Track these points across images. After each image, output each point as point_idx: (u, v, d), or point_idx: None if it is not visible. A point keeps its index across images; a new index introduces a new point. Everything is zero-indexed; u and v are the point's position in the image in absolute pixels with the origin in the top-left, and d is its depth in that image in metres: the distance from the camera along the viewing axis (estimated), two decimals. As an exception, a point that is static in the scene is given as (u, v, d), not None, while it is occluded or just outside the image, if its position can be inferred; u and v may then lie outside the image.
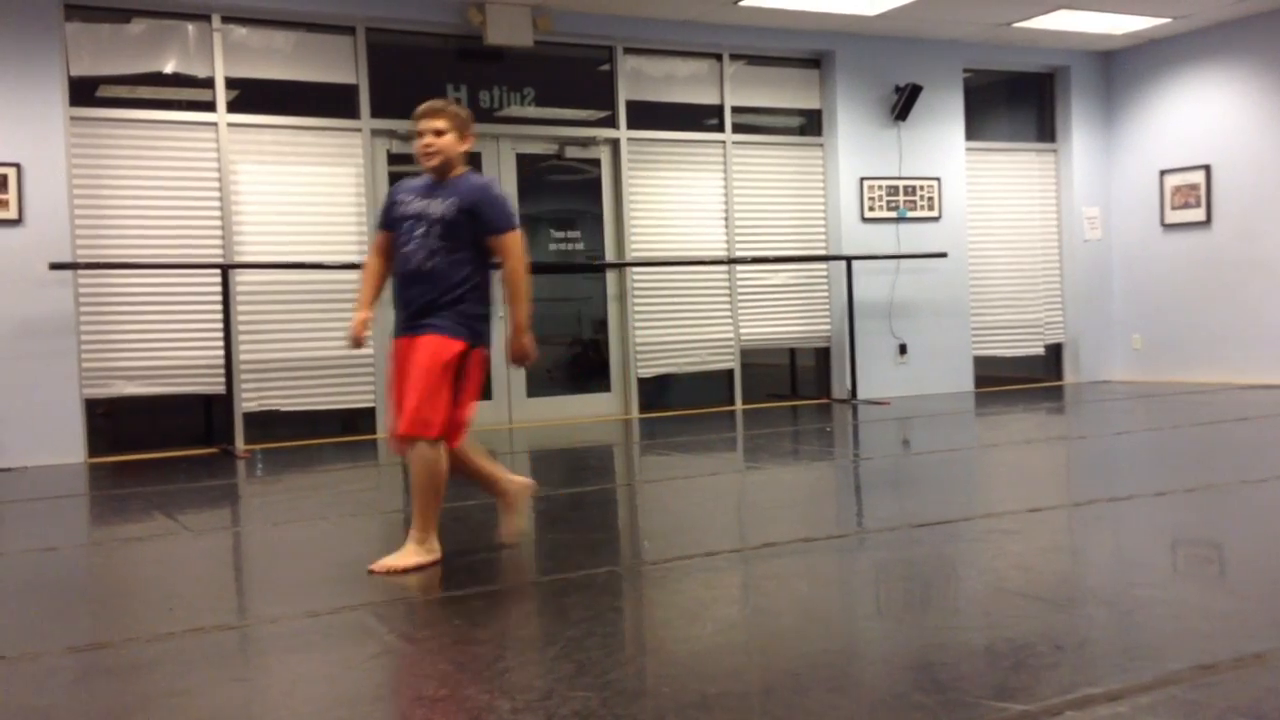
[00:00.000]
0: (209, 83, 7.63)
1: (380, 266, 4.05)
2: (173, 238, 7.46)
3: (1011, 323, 10.42)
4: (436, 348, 3.81)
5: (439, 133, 3.93)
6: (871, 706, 2.41)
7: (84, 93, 7.31)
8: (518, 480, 4.27)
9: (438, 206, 3.88)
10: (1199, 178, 9.89)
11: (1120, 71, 10.57)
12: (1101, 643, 2.83)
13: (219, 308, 7.39)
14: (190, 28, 7.61)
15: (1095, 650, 2.76)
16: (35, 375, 6.96)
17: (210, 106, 7.62)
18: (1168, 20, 9.45)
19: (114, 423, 7.48)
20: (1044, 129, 10.77)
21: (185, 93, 7.63)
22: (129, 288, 7.34)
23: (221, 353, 7.42)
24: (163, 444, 7.58)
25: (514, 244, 3.95)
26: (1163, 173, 10.19)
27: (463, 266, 3.89)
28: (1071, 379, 10.66)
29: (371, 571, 3.81)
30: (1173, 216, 10.15)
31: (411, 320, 3.90)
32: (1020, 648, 2.73)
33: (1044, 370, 10.75)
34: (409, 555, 3.86)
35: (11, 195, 6.91)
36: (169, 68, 7.59)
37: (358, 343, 4.03)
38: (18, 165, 6.93)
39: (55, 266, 6.91)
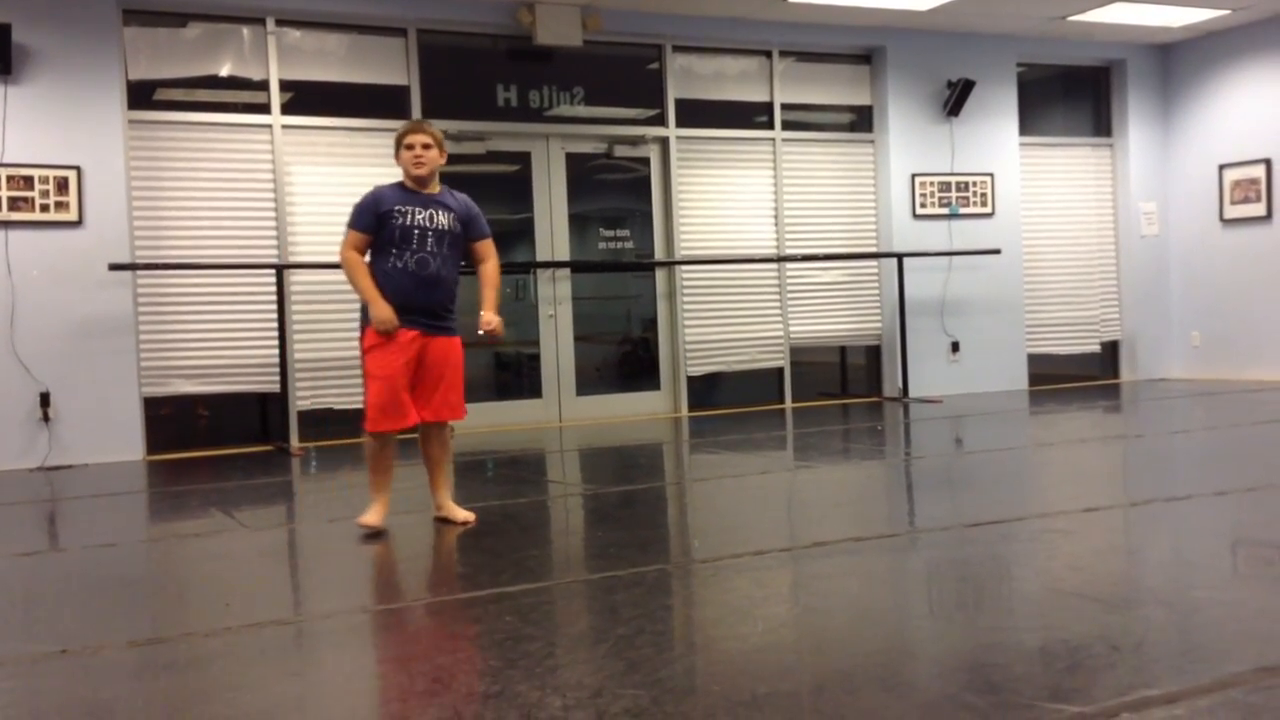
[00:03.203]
0: (263, 85, 7.73)
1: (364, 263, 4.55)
2: (228, 238, 7.56)
3: (1066, 320, 10.29)
4: (459, 348, 4.61)
5: (427, 146, 4.50)
6: (924, 707, 2.39)
7: (142, 96, 7.43)
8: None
9: (443, 219, 4.50)
10: (1259, 172, 9.71)
11: (1178, 64, 10.39)
12: (1159, 644, 2.79)
13: (274, 307, 7.49)
14: (245, 31, 7.72)
15: (1152, 652, 2.72)
16: (95, 374, 7.09)
17: (265, 109, 7.71)
18: (1226, 12, 9.28)
19: (172, 421, 7.60)
20: (1099, 123, 10.61)
21: (240, 95, 7.73)
22: (186, 288, 7.45)
23: (276, 352, 7.51)
24: (219, 442, 7.69)
25: (493, 246, 4.73)
26: (1222, 167, 10.01)
27: (456, 270, 4.61)
28: (1128, 377, 10.50)
29: (443, 520, 4.63)
30: (1232, 211, 9.97)
31: (430, 319, 4.49)
32: (1075, 649, 2.70)
33: (1100, 368, 10.60)
34: (462, 510, 4.69)
35: (72, 198, 7.05)
36: (224, 71, 7.70)
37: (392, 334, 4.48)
38: (78, 168, 7.06)
39: (115, 267, 7.04)
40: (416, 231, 4.42)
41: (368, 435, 4.57)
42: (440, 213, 4.49)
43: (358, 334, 4.64)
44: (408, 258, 4.41)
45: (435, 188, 4.56)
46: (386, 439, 4.55)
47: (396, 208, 4.43)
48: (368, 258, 4.54)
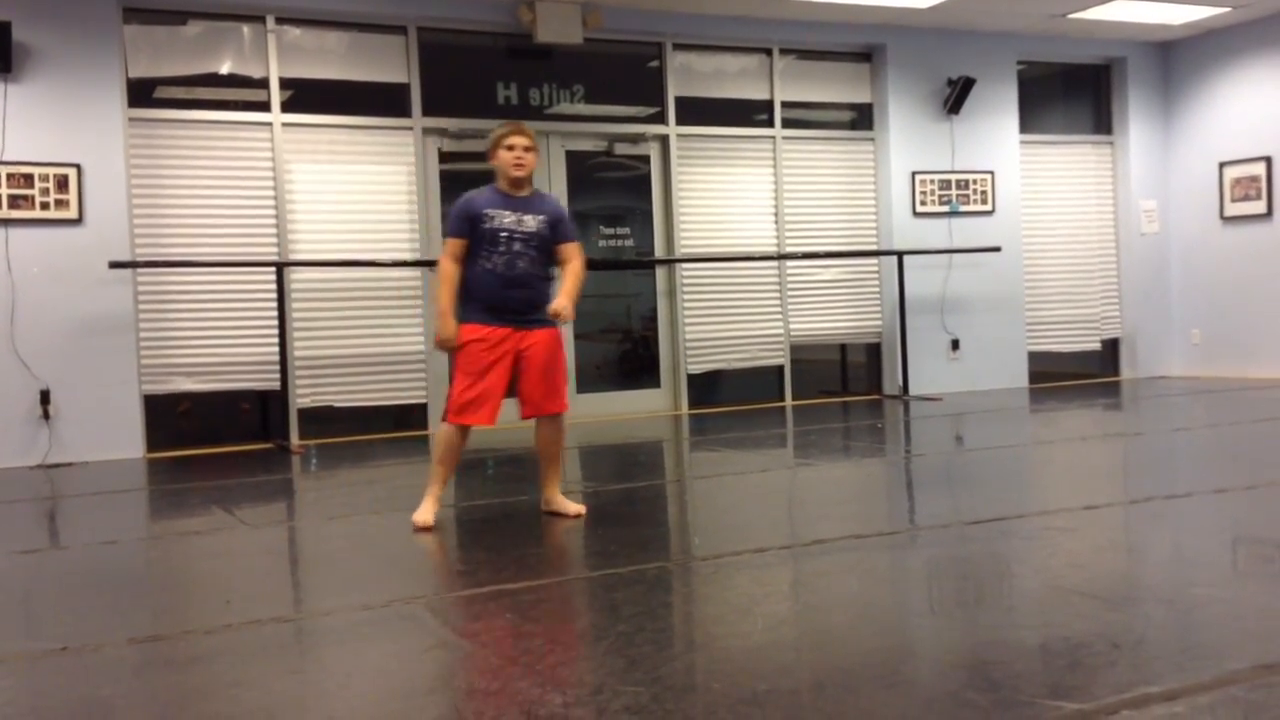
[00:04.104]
0: (263, 83, 7.73)
1: (459, 272, 4.57)
2: (229, 236, 7.56)
3: (1067, 318, 10.29)
4: (556, 340, 4.63)
5: (529, 149, 4.59)
6: (924, 704, 2.39)
7: (142, 94, 7.43)
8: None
9: (532, 222, 4.57)
10: (1260, 169, 9.70)
11: (1178, 62, 10.39)
12: (1159, 642, 2.79)
13: (274, 305, 7.49)
14: (245, 29, 7.71)
15: (1152, 649, 2.72)
16: (95, 372, 7.09)
17: (265, 107, 7.71)
18: (1227, 9, 9.27)
19: (172, 418, 7.60)
20: (1100, 121, 10.61)
21: (240, 93, 7.73)
22: (186, 286, 7.45)
23: (276, 349, 7.52)
24: (219, 439, 7.70)
25: (578, 249, 4.72)
26: (1222, 165, 10.00)
27: (546, 271, 4.65)
28: (1129, 374, 10.50)
29: (553, 513, 4.67)
30: (1232, 209, 9.96)
31: (520, 316, 4.54)
32: (1075, 646, 2.70)
33: (1100, 366, 10.60)
34: (573, 503, 4.72)
35: (72, 195, 7.05)
36: (224, 69, 7.70)
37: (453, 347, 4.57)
38: (78, 166, 7.06)
39: (115, 265, 7.04)
40: (504, 235, 4.52)
41: (443, 424, 4.61)
42: (529, 216, 4.56)
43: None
44: (496, 260, 4.51)
45: (527, 190, 4.65)
46: (461, 432, 4.58)
47: (487, 211, 4.53)
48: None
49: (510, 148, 4.57)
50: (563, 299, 4.50)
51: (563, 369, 4.63)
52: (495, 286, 4.51)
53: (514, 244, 4.52)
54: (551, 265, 4.66)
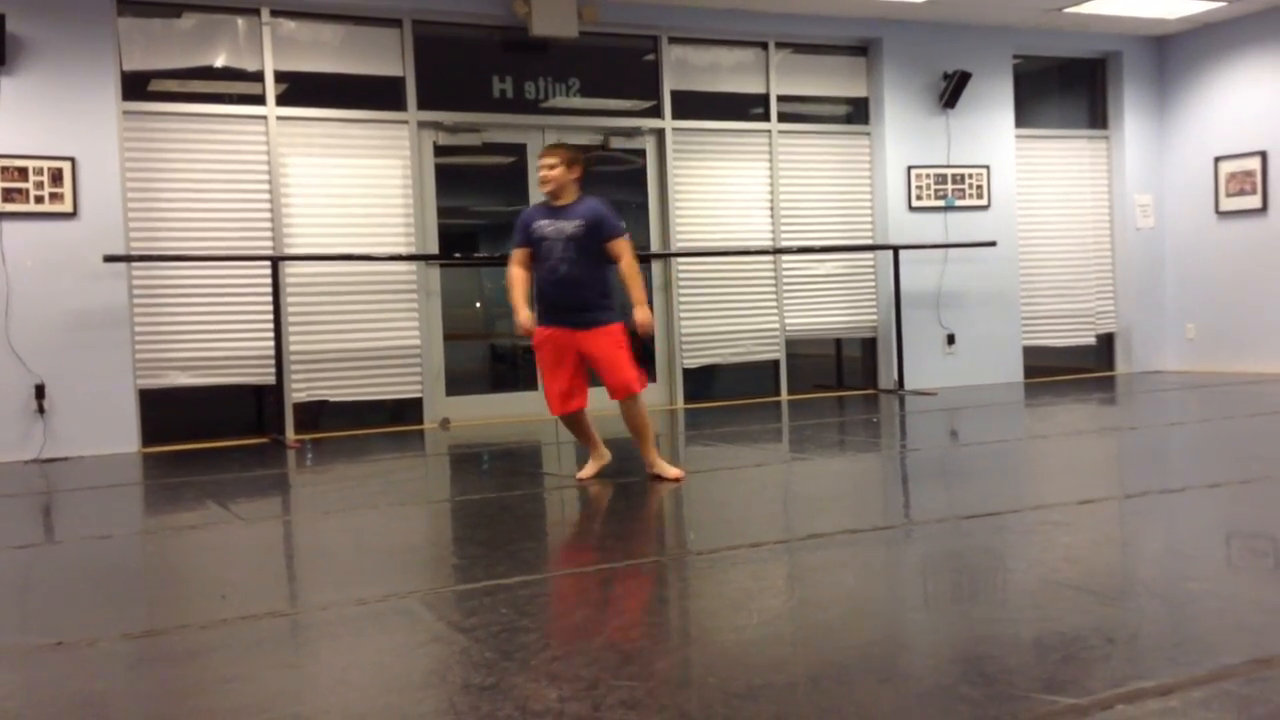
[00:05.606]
0: (258, 76, 7.71)
1: (523, 275, 5.29)
2: (224, 230, 7.55)
3: (1062, 312, 10.30)
4: (612, 334, 5.18)
5: (552, 167, 5.15)
6: (918, 698, 2.40)
7: (136, 87, 7.41)
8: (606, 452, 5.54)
9: (569, 227, 5.11)
10: (1255, 164, 9.71)
11: (1174, 56, 10.39)
12: (1153, 636, 2.80)
13: (269, 299, 7.47)
14: (239, 22, 7.69)
15: (1147, 644, 2.73)
16: (90, 366, 7.08)
17: (260, 100, 7.69)
18: (1222, 4, 9.27)
19: (166, 413, 7.58)
20: (1095, 115, 10.61)
21: (235, 86, 7.71)
22: (181, 280, 7.44)
23: (272, 344, 7.50)
24: (214, 434, 7.69)
25: (625, 244, 5.21)
26: (1217, 159, 10.01)
27: (596, 270, 5.18)
28: (1123, 369, 10.52)
29: (655, 477, 5.30)
30: (1227, 204, 9.97)
31: (572, 314, 5.15)
32: (1070, 640, 2.70)
33: (1095, 360, 10.62)
34: (672, 467, 5.36)
35: (66, 189, 7.03)
36: (219, 61, 7.68)
37: (530, 333, 5.24)
38: (72, 159, 7.04)
39: (109, 259, 7.02)
40: (545, 243, 5.14)
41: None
42: (567, 223, 5.12)
43: None
44: (545, 266, 5.16)
45: (568, 198, 5.20)
46: (566, 420, 5.43)
47: (535, 223, 5.20)
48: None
49: (539, 169, 5.22)
50: (638, 313, 5.15)
51: (621, 359, 5.17)
52: (547, 289, 5.18)
53: (555, 249, 5.11)
54: (604, 264, 5.19)
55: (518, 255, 5.28)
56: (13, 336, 6.90)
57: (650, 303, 8.88)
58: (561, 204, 5.19)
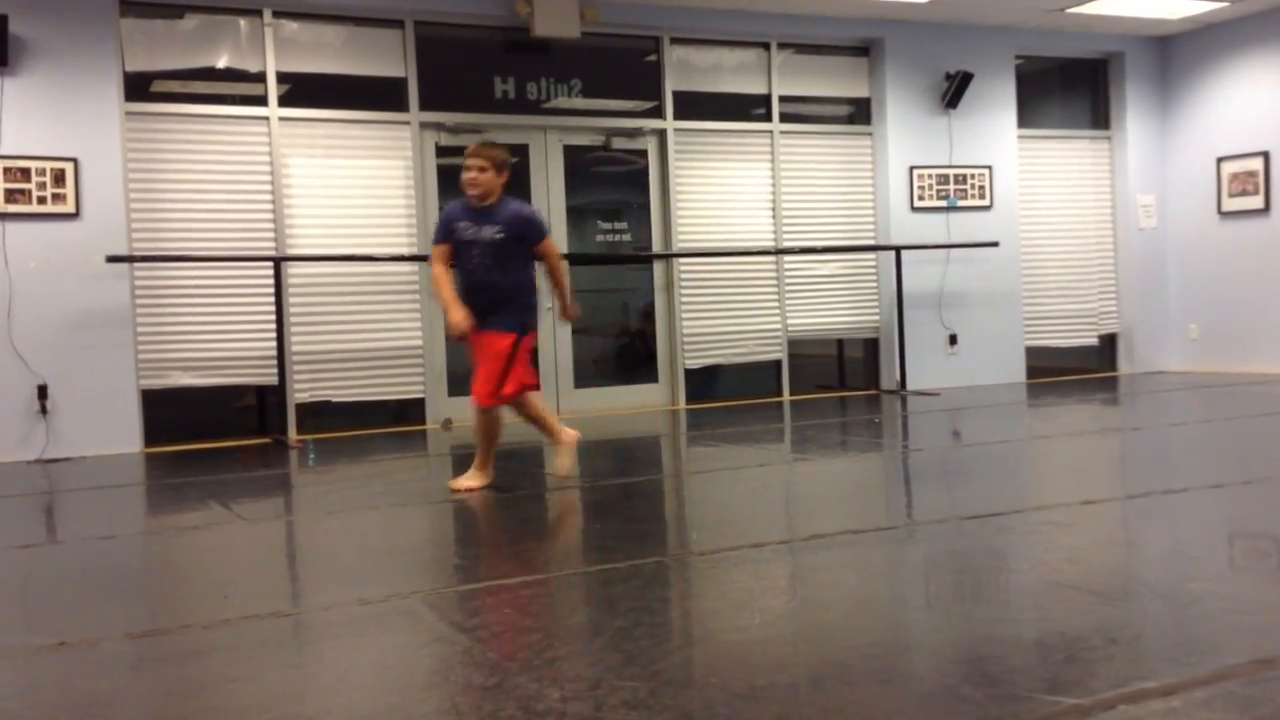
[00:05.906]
0: (260, 77, 7.71)
1: (446, 272, 5.17)
2: (226, 231, 7.55)
3: (1064, 312, 10.29)
4: (500, 343, 5.04)
5: (483, 170, 5.03)
6: (920, 699, 2.40)
7: (139, 88, 7.41)
8: (568, 431, 5.45)
9: (489, 232, 5.02)
10: (1257, 164, 9.71)
11: (1176, 57, 10.39)
12: (1156, 637, 2.79)
13: (271, 300, 7.48)
14: (242, 23, 7.70)
15: (1149, 644, 2.72)
16: (92, 366, 7.08)
17: (262, 101, 7.70)
18: (1224, 4, 9.27)
19: (168, 413, 7.58)
20: (1098, 116, 10.61)
21: (237, 87, 7.71)
22: (184, 280, 7.44)
23: (274, 344, 7.51)
24: (216, 434, 7.69)
25: (549, 245, 5.25)
26: (1220, 160, 10.00)
27: (512, 274, 5.09)
28: (1126, 369, 10.51)
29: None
30: (1230, 204, 9.96)
31: (481, 317, 5.05)
32: (1072, 641, 2.70)
33: (1098, 360, 10.61)
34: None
35: (69, 189, 7.03)
36: (221, 62, 7.68)
37: (466, 335, 5.09)
38: (75, 160, 7.05)
39: (112, 259, 7.03)
40: (464, 245, 5.08)
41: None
42: (488, 227, 5.04)
43: None
44: (464, 268, 5.12)
45: (491, 200, 5.08)
46: (515, 411, 5.37)
47: (457, 224, 5.11)
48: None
49: (467, 169, 5.07)
50: (560, 307, 5.31)
51: (492, 370, 5.06)
52: (464, 290, 5.10)
53: (473, 252, 5.06)
54: (523, 269, 5.16)
55: (439, 253, 5.18)
56: (15, 337, 6.91)
57: (652, 303, 9.02)
58: (484, 206, 5.09)
